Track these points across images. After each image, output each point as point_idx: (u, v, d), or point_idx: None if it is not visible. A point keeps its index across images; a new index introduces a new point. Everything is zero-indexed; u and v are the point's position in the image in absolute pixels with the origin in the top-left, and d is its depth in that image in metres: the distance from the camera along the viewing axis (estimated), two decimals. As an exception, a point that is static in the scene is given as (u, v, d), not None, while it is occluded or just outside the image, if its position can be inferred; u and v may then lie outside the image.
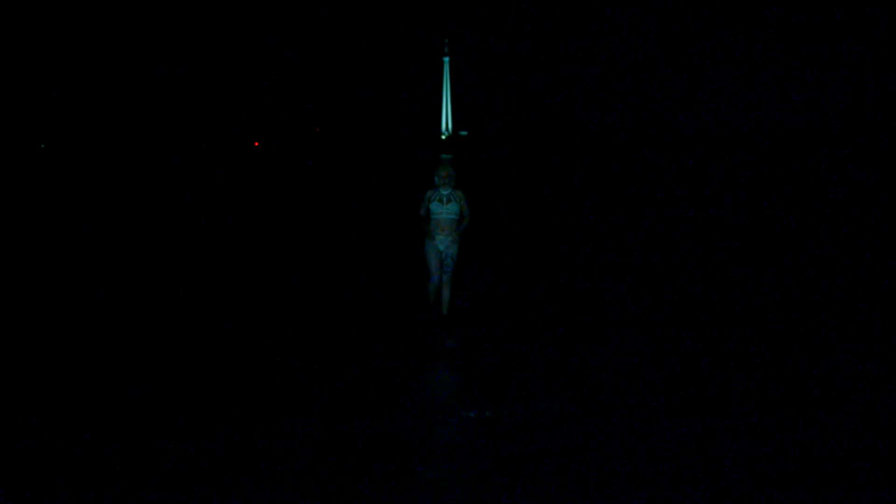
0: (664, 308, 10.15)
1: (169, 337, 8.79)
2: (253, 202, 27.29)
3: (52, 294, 11.04)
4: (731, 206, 24.31)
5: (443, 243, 8.88)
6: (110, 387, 7.08)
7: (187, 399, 6.79)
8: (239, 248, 15.76)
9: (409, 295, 10.61)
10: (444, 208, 8.85)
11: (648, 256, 14.54)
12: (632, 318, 9.63)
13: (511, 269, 13.20)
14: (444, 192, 8.89)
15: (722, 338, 8.67)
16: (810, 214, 21.51)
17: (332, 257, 14.64)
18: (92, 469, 5.39)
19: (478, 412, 6.42)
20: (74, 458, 5.56)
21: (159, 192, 32.01)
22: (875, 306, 10.05)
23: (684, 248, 15.66)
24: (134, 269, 13.21)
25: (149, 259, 14.27)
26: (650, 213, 22.64)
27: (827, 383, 7.15)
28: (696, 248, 15.49)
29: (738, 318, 9.60)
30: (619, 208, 24.52)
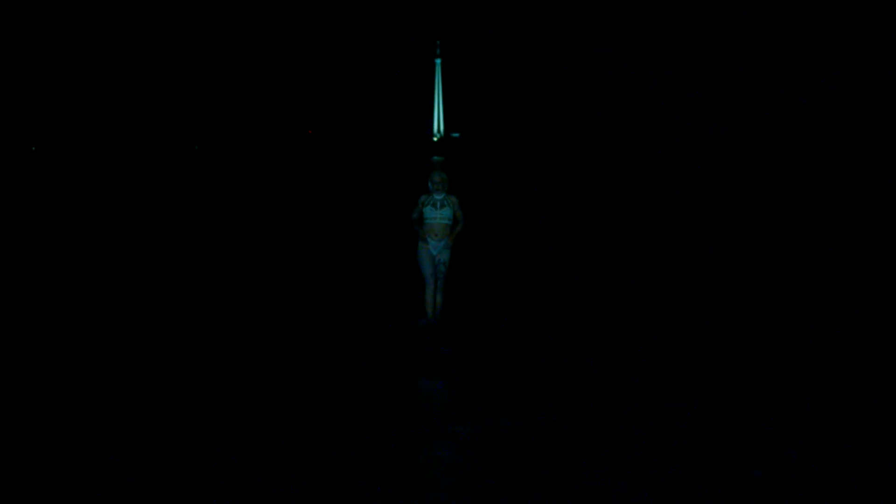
0: (665, 316, 10.17)
1: (163, 343, 8.79)
2: (245, 206, 27.21)
3: (48, 296, 11.02)
4: (732, 210, 24.37)
5: (435, 248, 8.89)
6: (107, 389, 7.09)
7: (180, 403, 6.80)
8: (231, 254, 15.74)
9: (403, 301, 10.62)
10: (438, 213, 8.86)
11: (647, 262, 14.57)
12: (631, 325, 9.64)
13: (507, 275, 13.21)
14: (438, 196, 8.90)
15: (726, 345, 8.69)
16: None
17: (325, 263, 14.63)
18: (91, 471, 5.40)
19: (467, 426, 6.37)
20: (73, 460, 5.58)
21: (150, 195, 31.90)
22: None
23: (684, 253, 15.69)
24: (127, 273, 13.19)
25: (141, 264, 14.24)
26: (649, 217, 22.67)
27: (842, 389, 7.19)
28: (699, 253, 15.52)
29: (737, 325, 9.64)
30: (617, 211, 24.54)
